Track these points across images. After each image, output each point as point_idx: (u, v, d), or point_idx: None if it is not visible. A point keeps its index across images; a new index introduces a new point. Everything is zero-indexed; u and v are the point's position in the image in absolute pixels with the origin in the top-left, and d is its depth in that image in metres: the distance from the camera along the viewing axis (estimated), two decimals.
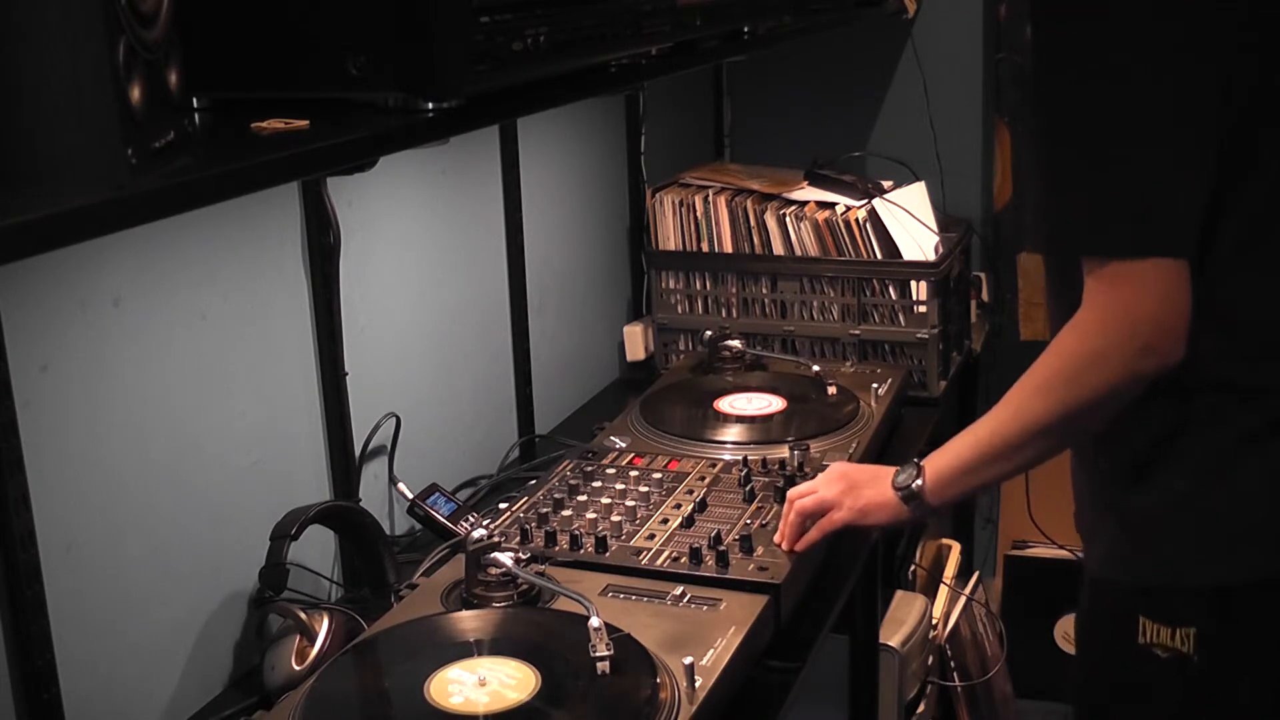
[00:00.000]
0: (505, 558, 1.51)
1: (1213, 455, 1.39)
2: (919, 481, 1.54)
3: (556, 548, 1.66)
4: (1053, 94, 1.36)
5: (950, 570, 2.81)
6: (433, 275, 2.10)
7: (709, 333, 2.40)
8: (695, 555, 1.60)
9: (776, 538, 1.64)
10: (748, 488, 1.81)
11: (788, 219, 2.54)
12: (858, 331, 2.50)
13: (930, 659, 2.50)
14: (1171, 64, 1.30)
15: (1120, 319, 1.32)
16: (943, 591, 2.70)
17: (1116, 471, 1.45)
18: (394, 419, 1.98)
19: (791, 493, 1.67)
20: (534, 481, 1.93)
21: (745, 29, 2.05)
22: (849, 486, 1.62)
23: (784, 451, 1.94)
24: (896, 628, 2.29)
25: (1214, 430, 1.38)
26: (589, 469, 1.90)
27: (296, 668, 1.54)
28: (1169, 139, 1.31)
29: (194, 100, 1.26)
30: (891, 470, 1.59)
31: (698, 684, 1.33)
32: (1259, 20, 1.33)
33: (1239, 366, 1.37)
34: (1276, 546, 1.38)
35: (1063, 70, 1.34)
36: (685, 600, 1.53)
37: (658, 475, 1.87)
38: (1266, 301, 1.38)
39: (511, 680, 1.34)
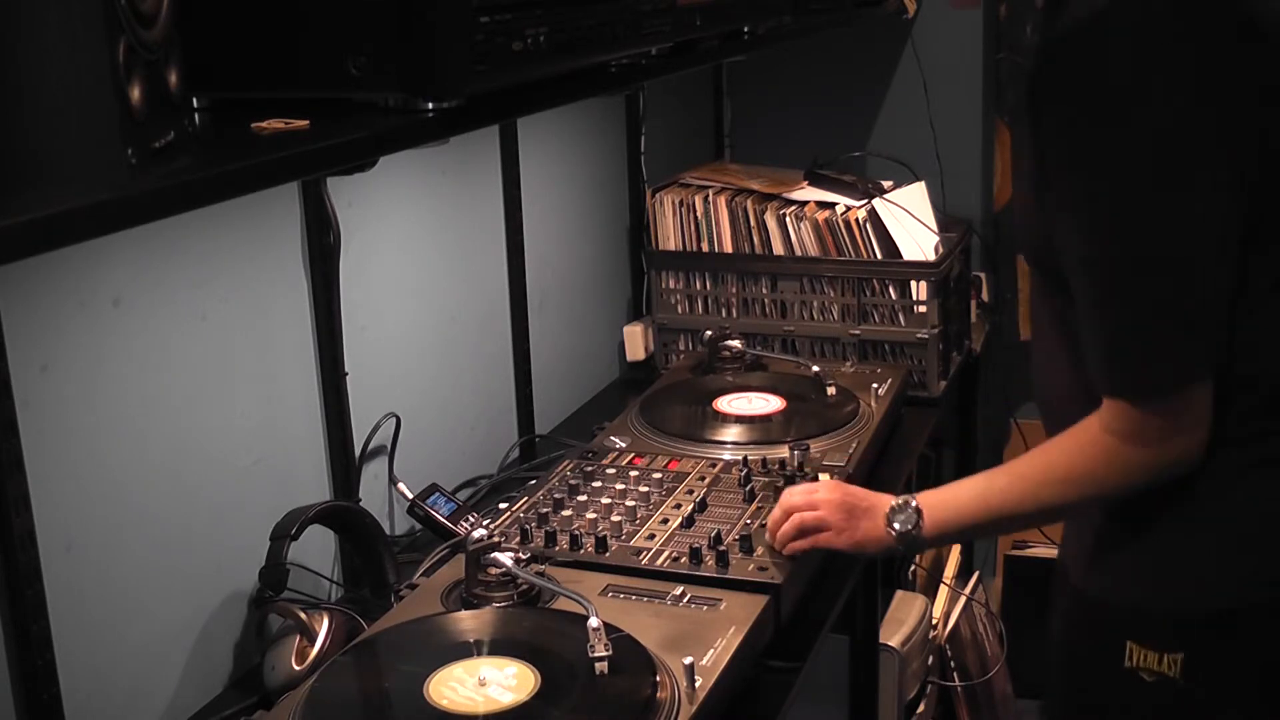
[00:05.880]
0: (505, 558, 1.51)
1: (1216, 485, 1.38)
2: (918, 526, 1.55)
3: (556, 548, 1.66)
4: (1075, 205, 1.35)
5: (950, 570, 2.81)
6: (433, 275, 2.10)
7: (709, 333, 2.40)
8: (695, 555, 1.60)
9: (767, 535, 1.64)
10: (748, 488, 1.81)
11: (788, 219, 2.54)
12: (858, 331, 2.49)
13: (930, 659, 2.50)
14: (1197, 176, 1.29)
15: (1154, 436, 1.36)
16: (943, 591, 2.70)
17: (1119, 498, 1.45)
18: (394, 419, 1.98)
19: (788, 499, 1.64)
20: (534, 481, 1.93)
21: (745, 29, 2.05)
22: (848, 515, 1.60)
23: (784, 451, 1.94)
24: (896, 628, 2.29)
25: (1218, 462, 1.38)
26: (589, 469, 1.90)
27: (296, 668, 1.54)
28: (1197, 261, 1.31)
29: (194, 100, 1.26)
30: (888, 502, 1.58)
31: (698, 684, 1.33)
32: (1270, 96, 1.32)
33: (1249, 419, 1.37)
34: (1270, 576, 1.39)
35: (1085, 185, 1.33)
36: (685, 600, 1.53)
37: (658, 475, 1.87)
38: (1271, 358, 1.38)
39: (511, 680, 1.34)
